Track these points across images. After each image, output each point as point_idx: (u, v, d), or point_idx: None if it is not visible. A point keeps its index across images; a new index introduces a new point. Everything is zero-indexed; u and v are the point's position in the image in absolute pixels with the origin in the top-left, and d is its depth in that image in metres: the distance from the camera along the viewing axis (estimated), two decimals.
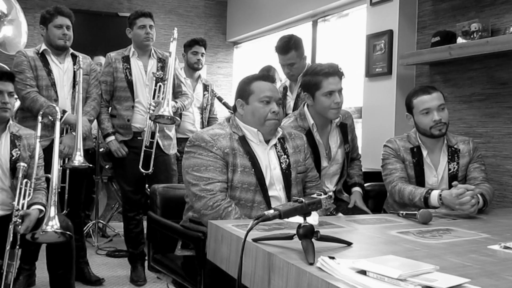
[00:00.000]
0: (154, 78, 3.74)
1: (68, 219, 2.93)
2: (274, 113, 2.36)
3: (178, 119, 3.74)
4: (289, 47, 3.52)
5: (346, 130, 2.95)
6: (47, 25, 3.54)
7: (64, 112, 3.43)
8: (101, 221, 5.21)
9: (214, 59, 6.78)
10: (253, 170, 2.32)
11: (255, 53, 6.55)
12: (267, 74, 2.52)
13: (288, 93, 3.68)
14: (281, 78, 4.64)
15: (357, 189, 3.01)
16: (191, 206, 2.36)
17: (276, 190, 2.38)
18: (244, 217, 2.25)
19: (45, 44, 3.57)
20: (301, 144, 2.56)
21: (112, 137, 3.75)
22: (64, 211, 3.46)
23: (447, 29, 3.53)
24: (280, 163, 2.42)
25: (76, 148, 3.28)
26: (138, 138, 3.76)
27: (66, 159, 3.42)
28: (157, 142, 3.76)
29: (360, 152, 3.26)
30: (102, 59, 4.94)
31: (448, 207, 2.43)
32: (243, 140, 2.37)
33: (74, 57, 3.63)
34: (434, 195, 2.49)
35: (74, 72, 3.58)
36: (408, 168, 2.75)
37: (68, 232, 2.67)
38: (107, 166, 4.91)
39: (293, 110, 3.50)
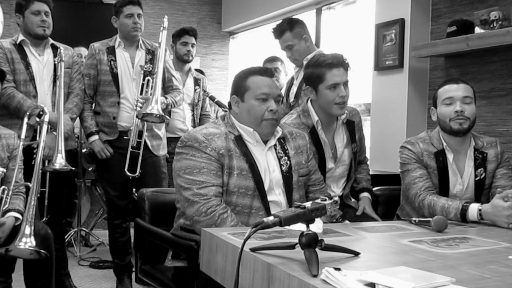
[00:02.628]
0: (142, 72, 3.72)
1: (47, 227, 2.92)
2: (272, 111, 2.35)
3: (168, 117, 3.72)
4: (282, 29, 3.58)
5: (353, 128, 2.95)
6: (24, 13, 3.52)
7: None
8: (84, 229, 5.20)
9: (208, 50, 6.78)
10: (250, 173, 2.32)
11: (253, 44, 6.55)
12: (265, 68, 2.50)
13: (295, 81, 3.70)
14: (287, 72, 4.65)
15: (365, 194, 3.01)
16: (183, 212, 2.36)
17: (276, 195, 2.39)
18: (241, 225, 2.25)
19: (22, 34, 3.56)
20: (303, 144, 2.55)
21: (95, 137, 3.73)
22: (44, 219, 3.45)
23: (464, 17, 3.53)
24: (280, 165, 2.42)
25: (57, 149, 3.27)
26: (124, 138, 3.74)
27: (46, 161, 3.41)
28: (145, 143, 3.75)
29: (368, 153, 3.27)
30: (83, 50, 4.93)
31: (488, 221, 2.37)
32: (239, 140, 2.37)
33: (54, 48, 3.61)
34: (473, 209, 2.40)
35: (55, 65, 3.56)
36: (431, 175, 2.68)
37: (44, 251, 2.67)
38: (90, 169, 4.91)
39: (295, 97, 3.52)
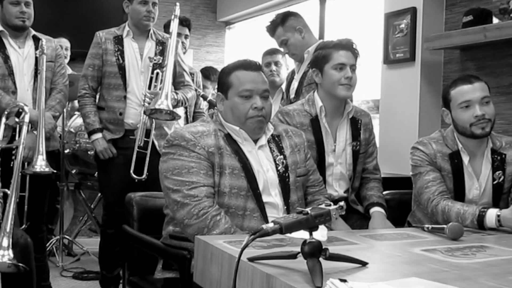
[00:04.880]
0: (151, 64, 3.68)
1: (27, 235, 2.91)
2: (257, 109, 2.37)
3: (179, 114, 3.65)
4: (274, 25, 3.67)
5: (358, 126, 2.95)
6: (2, 2, 3.53)
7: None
8: (67, 237, 5.19)
9: (202, 42, 6.78)
10: (243, 172, 2.33)
11: (252, 35, 6.55)
12: (249, 61, 2.47)
13: (295, 75, 3.73)
14: (288, 66, 4.66)
15: (377, 209, 2.88)
16: (171, 218, 2.36)
17: (272, 196, 2.40)
18: (235, 228, 2.26)
19: (1, 25, 3.56)
20: (300, 143, 2.57)
21: (98, 135, 3.66)
22: (24, 226, 3.44)
23: (481, 6, 3.53)
24: (276, 164, 2.44)
25: (37, 150, 3.26)
26: (130, 137, 3.68)
27: (26, 164, 3.40)
28: (153, 142, 3.68)
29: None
30: (64, 42, 4.92)
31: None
32: (229, 138, 2.39)
33: (36, 40, 3.61)
34: (490, 215, 2.39)
35: (36, 59, 3.56)
36: (445, 179, 2.68)
37: (22, 265, 2.66)
38: (74, 171, 4.90)
39: (296, 92, 3.56)
